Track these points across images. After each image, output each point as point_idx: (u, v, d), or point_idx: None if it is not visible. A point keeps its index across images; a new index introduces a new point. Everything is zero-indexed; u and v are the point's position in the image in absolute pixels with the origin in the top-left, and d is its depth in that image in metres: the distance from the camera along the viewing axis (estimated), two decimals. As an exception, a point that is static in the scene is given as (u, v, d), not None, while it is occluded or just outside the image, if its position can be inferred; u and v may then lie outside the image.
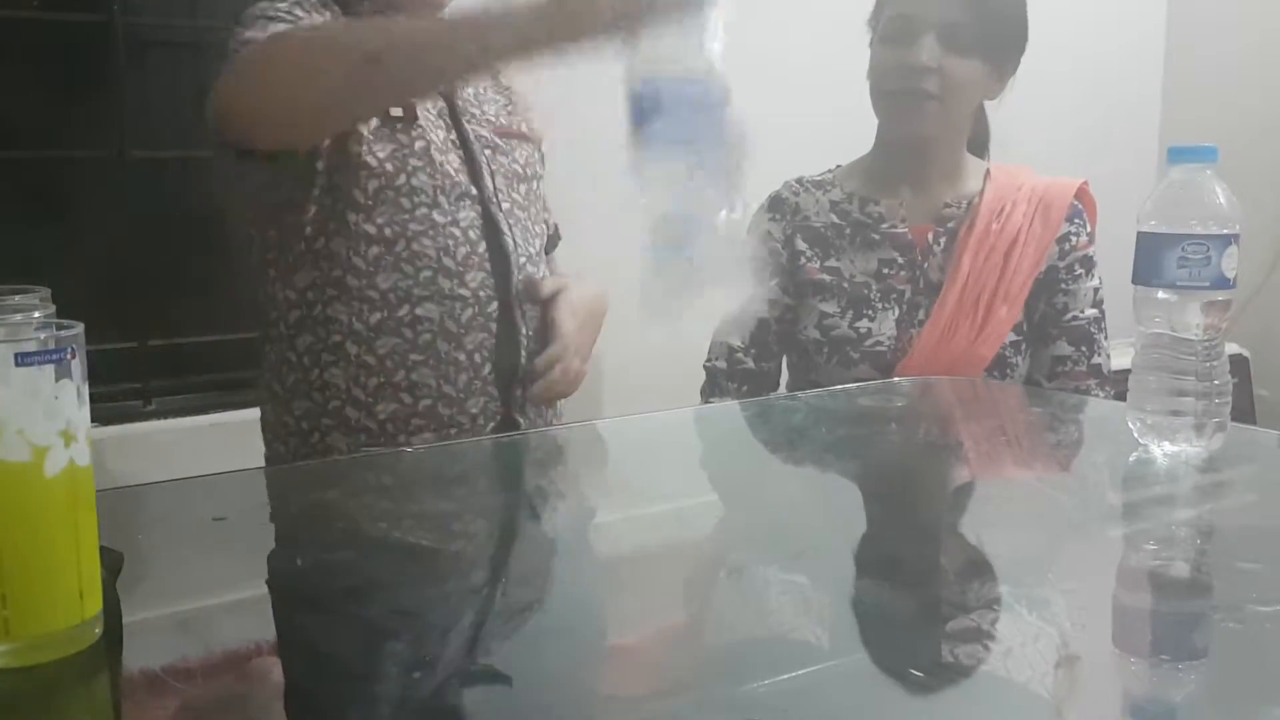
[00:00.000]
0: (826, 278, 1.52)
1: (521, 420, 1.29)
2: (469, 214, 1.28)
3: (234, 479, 1.05)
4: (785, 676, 0.62)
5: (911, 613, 0.72)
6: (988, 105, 1.59)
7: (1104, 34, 2.78)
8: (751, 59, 2.53)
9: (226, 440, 1.38)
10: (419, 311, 1.24)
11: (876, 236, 1.52)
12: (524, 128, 1.42)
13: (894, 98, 1.49)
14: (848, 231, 1.54)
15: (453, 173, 1.28)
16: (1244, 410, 2.58)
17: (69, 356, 0.60)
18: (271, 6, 1.23)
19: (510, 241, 1.31)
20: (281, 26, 1.19)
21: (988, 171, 1.56)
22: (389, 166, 1.23)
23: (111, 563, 0.68)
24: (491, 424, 1.27)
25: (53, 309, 0.76)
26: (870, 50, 1.53)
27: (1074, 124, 2.64)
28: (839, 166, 1.61)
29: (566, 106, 1.50)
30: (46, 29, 1.88)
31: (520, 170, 1.37)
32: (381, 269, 1.24)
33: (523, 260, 1.32)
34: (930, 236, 1.52)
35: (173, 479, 0.99)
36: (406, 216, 1.24)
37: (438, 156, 1.26)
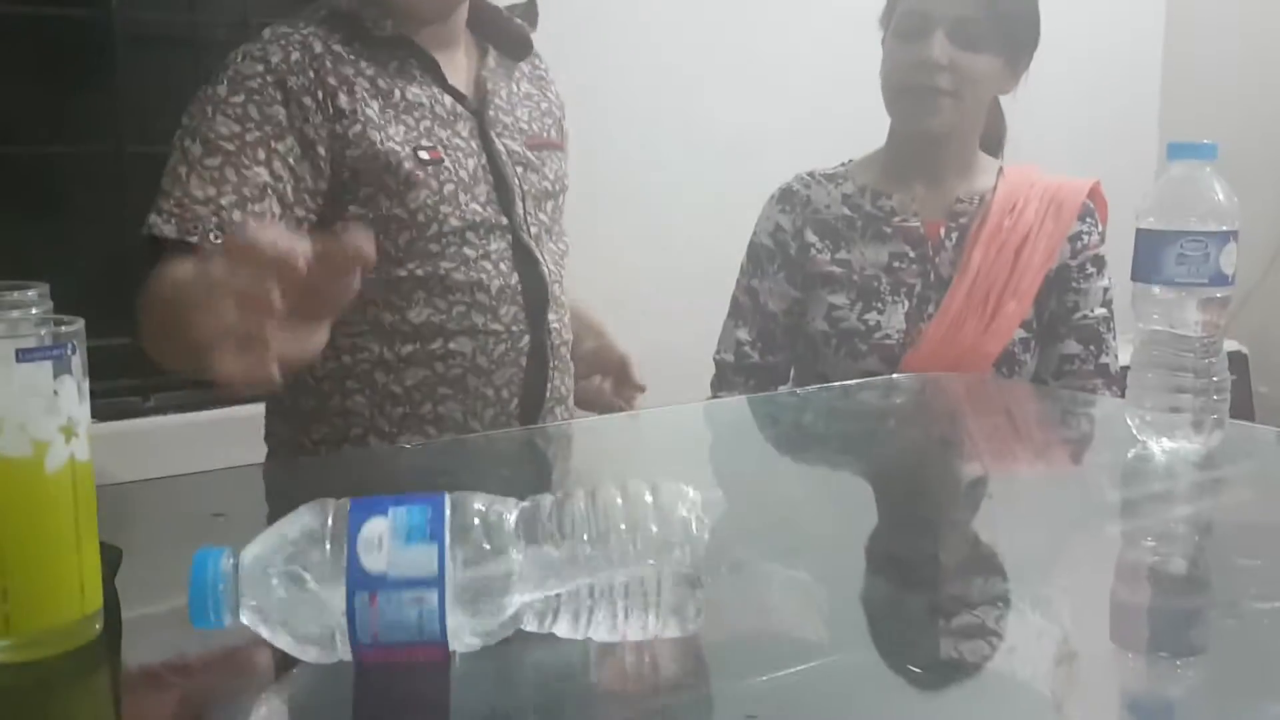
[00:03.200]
0: (836, 269, 1.52)
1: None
2: (499, 245, 1.24)
3: (233, 475, 1.05)
4: (786, 672, 0.62)
5: (911, 609, 0.72)
6: (1005, 103, 1.60)
7: (1103, 32, 2.78)
8: (758, 57, 2.54)
9: (226, 436, 1.38)
10: (452, 345, 1.22)
11: (888, 230, 1.53)
12: (553, 134, 1.36)
13: (906, 93, 1.49)
14: (859, 224, 1.54)
15: (480, 208, 1.23)
16: (1243, 407, 2.58)
17: (69, 352, 0.60)
18: (203, 123, 1.13)
19: (546, 270, 1.27)
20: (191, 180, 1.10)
21: (1000, 169, 1.56)
22: (420, 218, 1.19)
23: (110, 558, 0.68)
24: None
25: (50, 305, 0.75)
26: (883, 47, 1.53)
27: (1073, 121, 2.64)
28: (851, 160, 1.61)
29: (580, 105, 1.49)
30: (44, 24, 1.88)
31: (550, 186, 1.32)
32: (414, 304, 1.20)
33: (556, 290, 1.29)
34: (942, 231, 1.52)
35: (172, 475, 0.99)
36: (437, 257, 1.20)
37: (463, 196, 1.21)
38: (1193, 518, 0.94)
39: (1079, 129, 2.68)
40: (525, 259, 1.26)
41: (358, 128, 1.17)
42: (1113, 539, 0.89)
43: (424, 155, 1.20)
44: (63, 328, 0.60)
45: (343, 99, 1.17)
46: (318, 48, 1.19)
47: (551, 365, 1.29)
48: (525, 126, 1.32)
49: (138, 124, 1.91)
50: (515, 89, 1.34)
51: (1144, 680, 0.64)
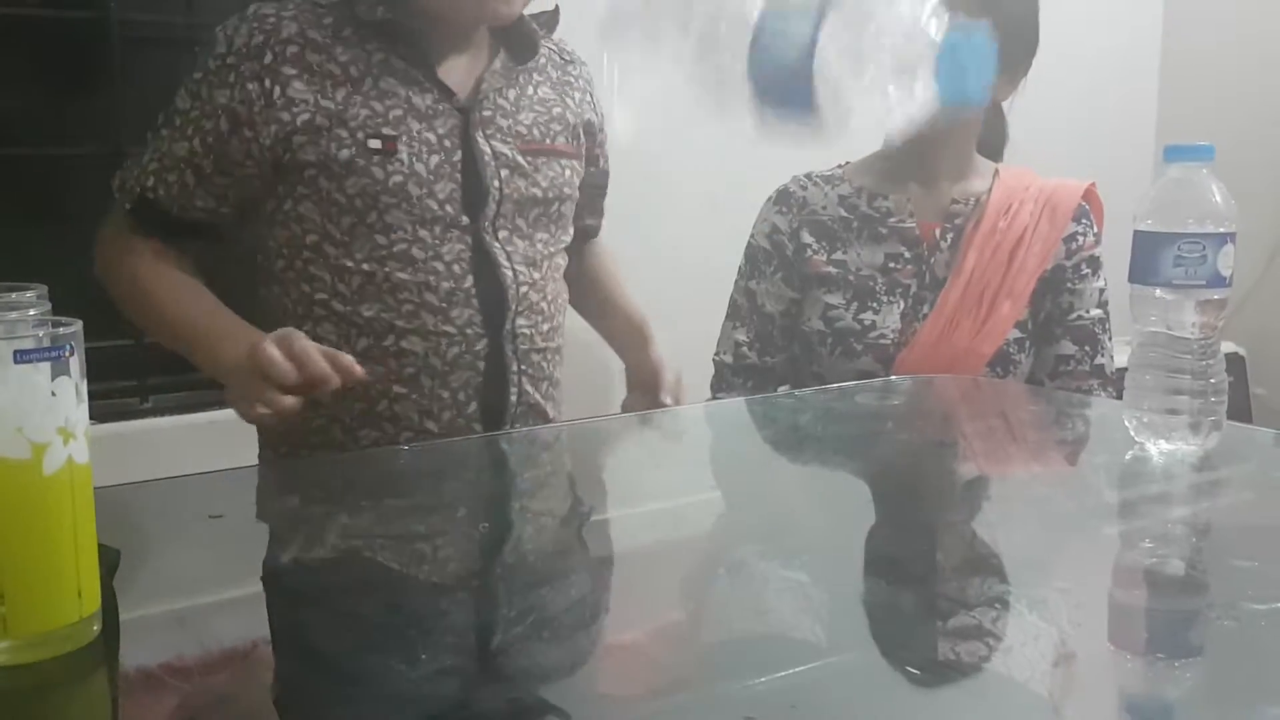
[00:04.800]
0: (832, 270, 1.52)
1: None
2: (455, 246, 1.23)
3: (230, 477, 1.05)
4: (784, 674, 0.62)
5: (909, 610, 0.73)
6: (1004, 107, 1.60)
7: (1100, 32, 2.78)
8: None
9: (223, 438, 1.37)
10: (404, 344, 1.22)
11: (884, 231, 1.53)
12: (561, 141, 1.33)
13: None
14: (855, 225, 1.54)
15: (436, 206, 1.22)
16: (1240, 409, 2.59)
17: (67, 354, 0.60)
18: (173, 123, 1.27)
19: (508, 273, 1.26)
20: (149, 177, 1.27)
21: (996, 171, 1.57)
22: (358, 203, 1.21)
23: (108, 560, 0.68)
24: None
25: (48, 306, 0.75)
26: None
27: (1071, 123, 2.64)
28: (848, 162, 1.62)
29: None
30: (42, 26, 1.88)
31: (539, 194, 1.29)
32: (365, 298, 1.22)
33: (524, 290, 1.27)
34: (937, 232, 1.52)
35: (169, 476, 0.99)
36: (384, 252, 1.21)
37: (416, 190, 1.21)
38: (1190, 519, 0.94)
39: (1077, 130, 2.68)
40: (485, 262, 1.25)
41: (305, 115, 1.21)
42: (1110, 540, 0.89)
43: (374, 144, 1.22)
44: (61, 329, 0.60)
45: (296, 85, 1.22)
46: (287, 31, 1.23)
47: (514, 370, 1.27)
48: (525, 130, 1.30)
49: (137, 125, 1.91)
50: (530, 92, 1.33)
51: (1141, 681, 0.64)
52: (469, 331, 1.24)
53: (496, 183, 1.26)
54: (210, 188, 1.25)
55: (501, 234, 1.26)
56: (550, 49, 1.38)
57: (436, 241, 1.23)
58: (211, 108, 1.23)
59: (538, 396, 1.32)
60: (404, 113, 1.23)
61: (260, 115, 1.21)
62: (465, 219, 1.24)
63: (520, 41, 1.33)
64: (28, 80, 1.89)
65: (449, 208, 1.23)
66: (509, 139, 1.28)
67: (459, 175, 1.24)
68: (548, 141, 1.32)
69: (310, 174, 1.22)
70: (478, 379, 1.25)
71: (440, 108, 1.25)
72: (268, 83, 1.21)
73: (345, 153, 1.20)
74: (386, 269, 1.22)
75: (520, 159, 1.28)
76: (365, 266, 1.22)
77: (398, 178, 1.21)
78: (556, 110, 1.35)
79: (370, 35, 1.24)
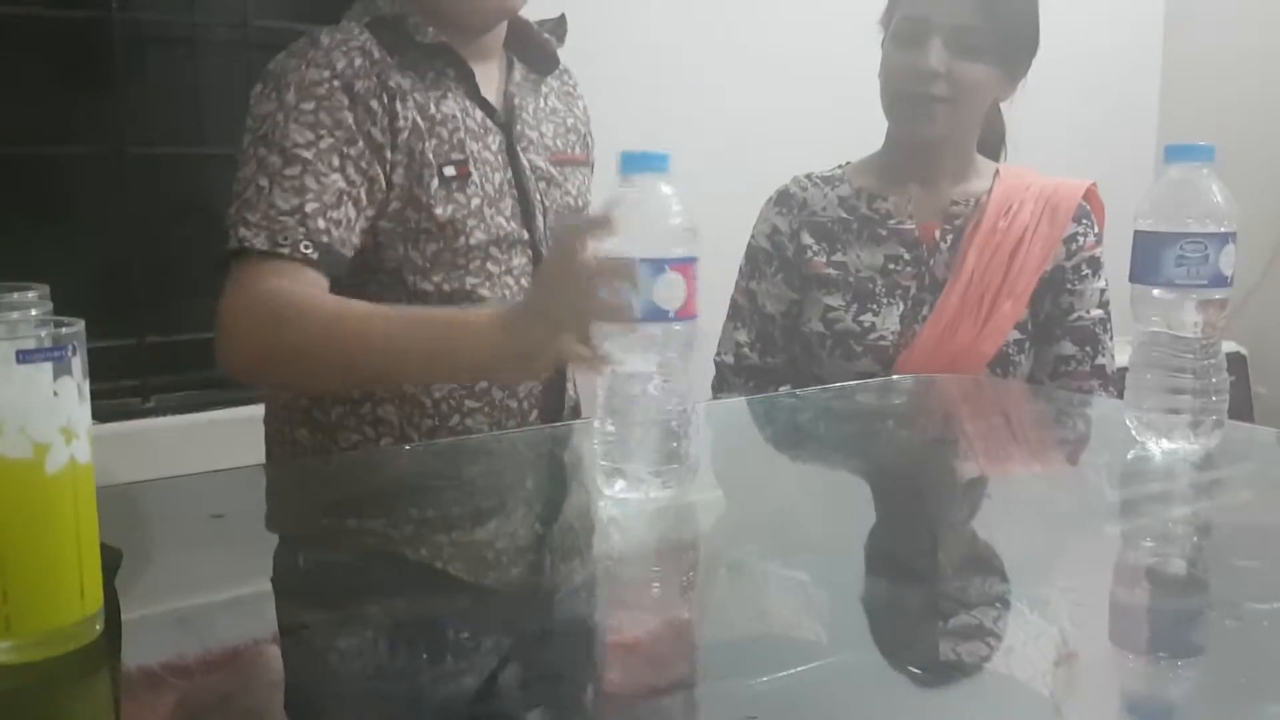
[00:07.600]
0: (832, 271, 1.52)
1: None
2: (520, 260, 1.26)
3: (232, 476, 1.05)
4: (786, 673, 0.62)
5: (911, 609, 0.73)
6: (1003, 105, 1.60)
7: (1102, 32, 2.79)
8: (759, 56, 2.54)
9: (225, 437, 1.37)
10: None
11: (883, 232, 1.53)
12: (578, 150, 1.37)
13: (903, 100, 1.49)
14: (855, 226, 1.54)
15: (504, 222, 1.24)
16: (1241, 408, 2.59)
17: (69, 354, 0.60)
18: (289, 125, 1.14)
19: None
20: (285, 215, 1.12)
21: (996, 171, 1.57)
22: (448, 231, 1.20)
23: (110, 560, 0.68)
24: None
25: (50, 306, 0.75)
26: (882, 49, 1.53)
27: (1072, 122, 2.64)
28: (849, 163, 1.62)
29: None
30: (45, 26, 1.88)
31: (572, 202, 1.33)
32: None
33: None
34: (937, 234, 1.52)
35: (171, 476, 0.99)
36: (463, 272, 1.22)
37: (489, 211, 1.22)
38: (1191, 518, 0.94)
39: (1078, 129, 2.68)
40: None
41: (404, 134, 1.19)
42: (1112, 539, 0.90)
43: (450, 171, 1.20)
44: (63, 329, 0.60)
45: (398, 105, 1.19)
46: (376, 54, 1.20)
47: (568, 374, 1.32)
48: (550, 143, 1.32)
49: (139, 125, 1.91)
50: (542, 104, 1.34)
51: (1143, 681, 0.64)
52: None
53: (539, 196, 1.28)
54: (362, 221, 1.17)
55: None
56: None
57: (505, 257, 1.24)
58: (347, 133, 1.16)
59: (577, 396, 1.36)
60: (465, 134, 1.23)
61: (387, 134, 1.17)
62: (526, 234, 1.26)
63: (536, 51, 1.34)
64: (28, 80, 1.89)
65: (513, 224, 1.25)
66: (540, 151, 1.30)
67: (515, 191, 1.26)
68: (569, 151, 1.35)
69: (395, 207, 1.19)
70: (537, 386, 1.28)
71: (488, 125, 1.26)
72: (384, 98, 1.18)
73: (436, 181, 1.19)
74: (467, 288, 1.22)
75: (553, 170, 1.31)
76: (445, 287, 1.21)
77: (476, 200, 1.22)
78: (569, 121, 1.37)
79: (422, 58, 1.23)
